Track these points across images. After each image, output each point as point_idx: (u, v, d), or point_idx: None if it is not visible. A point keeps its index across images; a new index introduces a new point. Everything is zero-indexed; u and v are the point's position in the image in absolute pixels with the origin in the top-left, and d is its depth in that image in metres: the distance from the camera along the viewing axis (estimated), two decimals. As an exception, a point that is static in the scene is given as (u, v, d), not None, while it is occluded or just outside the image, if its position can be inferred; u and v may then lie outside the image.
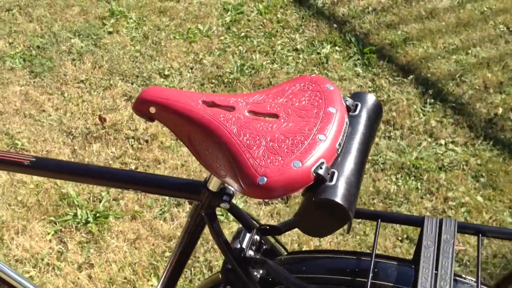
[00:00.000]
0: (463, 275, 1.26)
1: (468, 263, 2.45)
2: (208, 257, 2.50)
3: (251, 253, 1.32)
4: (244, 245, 1.32)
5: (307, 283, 1.26)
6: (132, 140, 3.04)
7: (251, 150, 1.08)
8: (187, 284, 2.42)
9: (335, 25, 3.83)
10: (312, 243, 2.53)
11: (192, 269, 2.46)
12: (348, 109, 1.20)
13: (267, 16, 3.93)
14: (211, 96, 1.20)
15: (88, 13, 3.97)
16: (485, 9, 3.92)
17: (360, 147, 1.15)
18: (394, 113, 3.13)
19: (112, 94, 3.34)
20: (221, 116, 1.15)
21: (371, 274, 1.19)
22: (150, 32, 3.81)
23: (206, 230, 1.37)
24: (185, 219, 2.65)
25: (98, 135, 3.08)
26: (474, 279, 1.25)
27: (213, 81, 3.42)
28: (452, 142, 2.98)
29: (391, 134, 3.03)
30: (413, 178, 2.81)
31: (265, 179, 1.04)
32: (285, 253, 1.46)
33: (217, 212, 1.36)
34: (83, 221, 2.66)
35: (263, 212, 2.68)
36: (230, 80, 3.41)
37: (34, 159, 1.37)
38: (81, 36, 3.78)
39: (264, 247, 1.39)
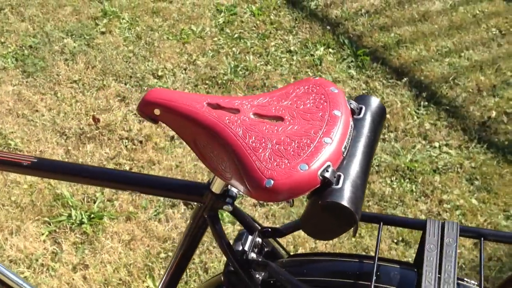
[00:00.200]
0: (466, 279, 1.26)
1: (463, 266, 2.45)
2: (203, 258, 2.50)
3: (253, 255, 1.32)
4: (246, 248, 1.32)
5: (310, 286, 1.26)
6: (126, 140, 3.04)
7: (257, 152, 1.08)
8: (182, 286, 2.41)
9: (328, 27, 3.84)
10: (308, 244, 2.53)
11: (188, 270, 2.46)
12: (353, 112, 1.20)
13: (260, 18, 3.93)
14: (215, 98, 1.20)
15: (80, 13, 3.95)
16: (478, 12, 3.94)
17: (365, 150, 1.15)
18: (388, 116, 3.13)
19: (105, 94, 3.33)
20: (226, 119, 1.14)
21: (374, 278, 1.19)
22: (143, 33, 3.80)
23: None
24: (180, 220, 2.65)
25: (92, 135, 3.07)
26: (476, 283, 1.25)
27: (207, 82, 3.42)
28: (446, 145, 2.99)
29: (386, 136, 3.04)
30: (407, 180, 2.82)
31: (272, 181, 1.04)
32: (287, 256, 1.46)
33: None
34: (78, 222, 2.65)
35: (258, 214, 2.68)
36: (224, 81, 3.41)
37: (35, 160, 1.36)
38: (74, 36, 3.76)
39: (265, 249, 1.39)
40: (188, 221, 1.47)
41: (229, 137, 1.11)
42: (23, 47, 3.67)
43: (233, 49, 3.67)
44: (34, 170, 1.38)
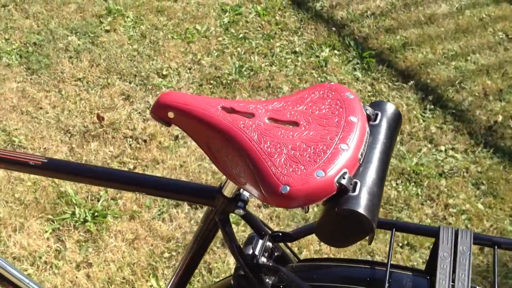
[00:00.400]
0: (478, 287, 1.25)
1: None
2: (207, 259, 2.49)
3: (263, 259, 1.31)
4: (256, 252, 1.31)
5: (321, 292, 1.25)
6: (131, 139, 3.03)
7: (273, 158, 1.07)
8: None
9: (333, 29, 3.83)
10: (312, 247, 2.52)
11: (192, 271, 2.45)
12: (369, 118, 1.19)
13: (265, 18, 3.92)
14: (230, 102, 1.19)
15: (85, 11, 3.94)
16: (484, 16, 3.93)
17: (381, 156, 1.14)
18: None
19: (110, 92, 3.32)
20: (241, 123, 1.13)
21: (387, 285, 1.18)
22: (147, 31, 3.79)
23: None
24: (184, 220, 2.64)
25: (96, 133, 3.06)
26: (489, 291, 1.24)
27: (212, 82, 3.41)
28: (452, 149, 2.98)
29: (391, 139, 3.02)
30: (413, 184, 2.81)
31: (288, 188, 1.03)
32: (296, 261, 1.46)
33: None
34: (81, 220, 2.64)
35: (263, 215, 2.67)
36: (228, 82, 3.40)
37: (46, 160, 1.35)
38: (78, 33, 3.75)
39: (276, 254, 1.38)
40: (198, 224, 1.46)
41: (244, 142, 1.10)
42: (27, 44, 3.66)
43: (238, 49, 3.66)
44: (42, 170, 1.36)
